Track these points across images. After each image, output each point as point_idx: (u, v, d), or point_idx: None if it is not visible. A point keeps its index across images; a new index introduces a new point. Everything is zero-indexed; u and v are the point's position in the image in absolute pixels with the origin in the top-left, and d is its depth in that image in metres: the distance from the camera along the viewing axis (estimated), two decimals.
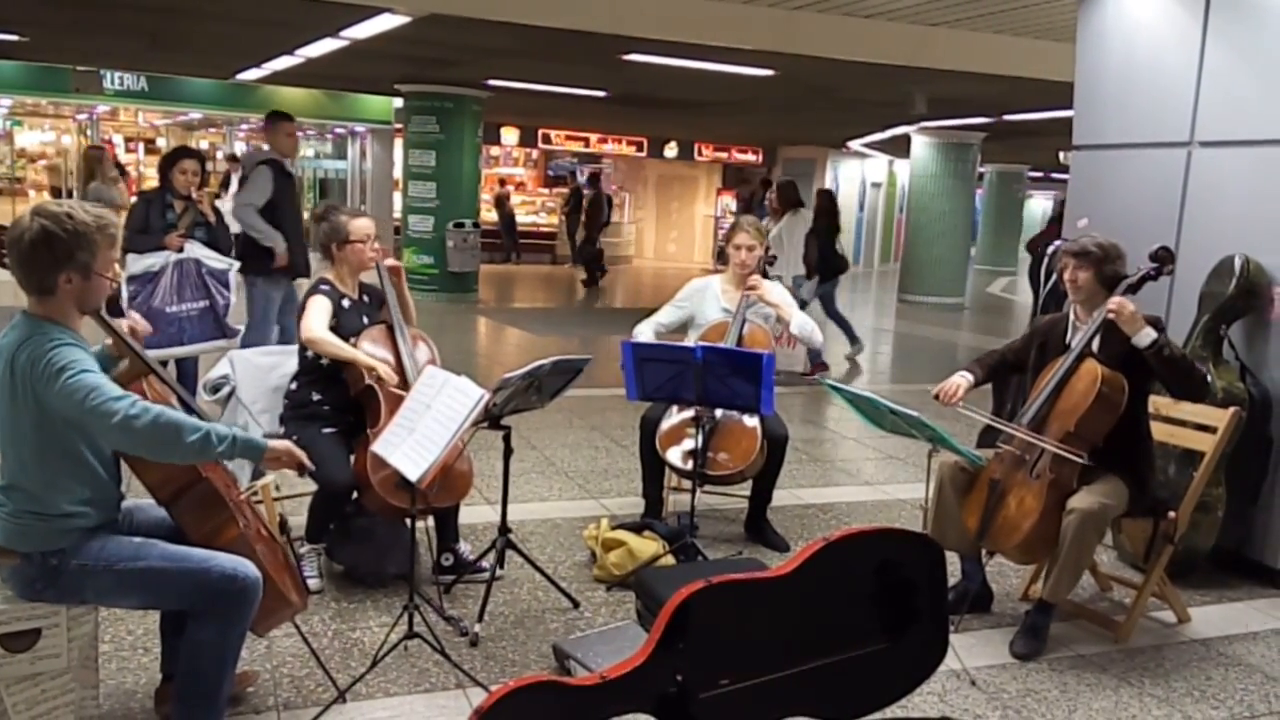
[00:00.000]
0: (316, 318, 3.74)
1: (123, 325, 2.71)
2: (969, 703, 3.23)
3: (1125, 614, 3.83)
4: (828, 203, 9.67)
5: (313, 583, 3.72)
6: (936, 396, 3.80)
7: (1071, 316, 3.77)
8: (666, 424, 4.41)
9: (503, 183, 20.93)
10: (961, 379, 3.81)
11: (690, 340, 4.55)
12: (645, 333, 4.65)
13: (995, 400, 5.26)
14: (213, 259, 5.35)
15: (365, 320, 3.92)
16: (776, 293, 4.62)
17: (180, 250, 5.24)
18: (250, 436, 2.54)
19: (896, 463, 6.26)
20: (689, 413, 4.27)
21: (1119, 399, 3.51)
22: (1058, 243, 5.33)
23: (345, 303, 3.89)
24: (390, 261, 4.00)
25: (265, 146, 6.53)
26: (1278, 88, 4.35)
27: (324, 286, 3.87)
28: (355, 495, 3.70)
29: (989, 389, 4.74)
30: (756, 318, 4.60)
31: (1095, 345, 3.59)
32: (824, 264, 9.28)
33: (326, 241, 3.89)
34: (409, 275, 4.43)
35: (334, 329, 3.77)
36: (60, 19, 9.71)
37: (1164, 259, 3.69)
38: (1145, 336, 3.45)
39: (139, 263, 5.11)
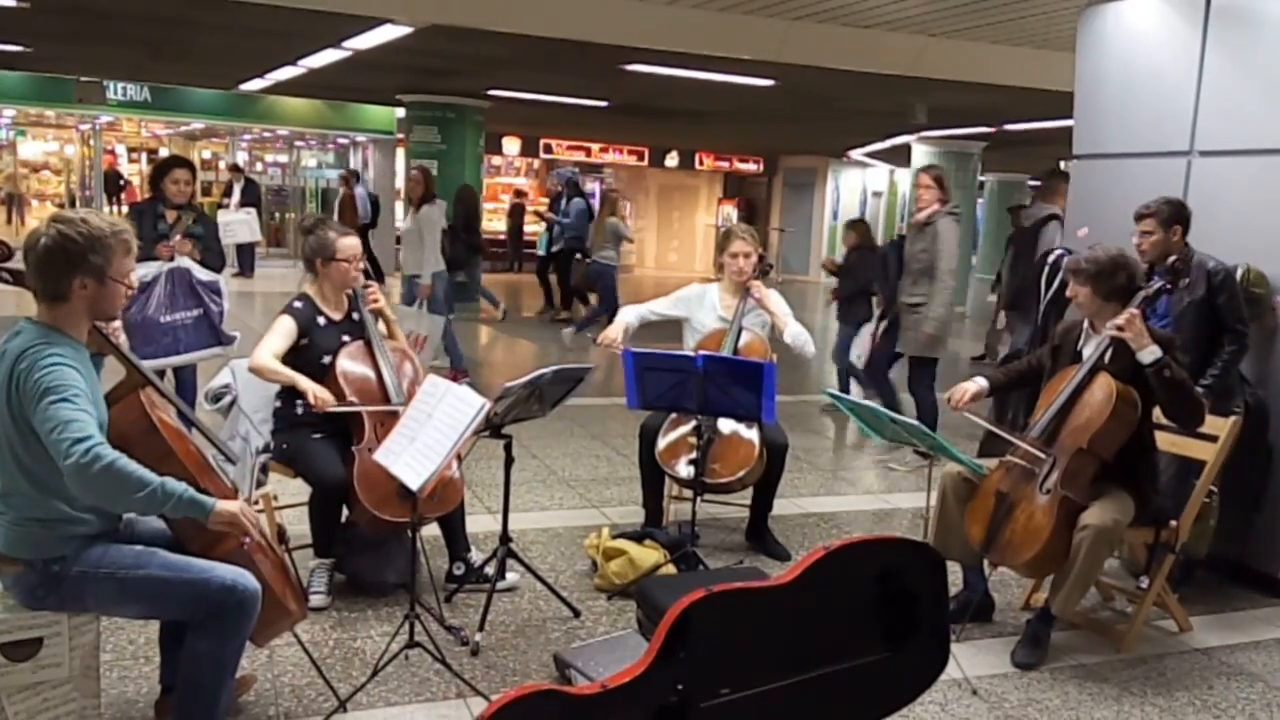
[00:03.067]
0: (267, 344, 3.70)
1: (121, 339, 2.72)
2: (970, 712, 3.23)
3: (1127, 623, 3.83)
4: (468, 197, 10.22)
5: (318, 599, 3.69)
6: (948, 399, 3.82)
7: (1085, 324, 3.72)
8: (667, 435, 4.41)
9: (519, 194, 21.00)
10: (974, 384, 3.80)
11: (687, 348, 4.55)
12: (632, 314, 4.65)
13: (996, 409, 5.26)
14: (200, 271, 5.33)
15: (345, 338, 3.86)
16: (774, 300, 4.62)
17: (171, 259, 5.22)
18: (198, 496, 2.39)
19: (898, 471, 6.26)
20: (688, 425, 4.27)
21: (1133, 415, 3.47)
22: (1058, 251, 5.33)
23: (320, 320, 3.84)
24: (375, 305, 3.97)
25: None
26: (1277, 97, 4.36)
27: (298, 304, 3.83)
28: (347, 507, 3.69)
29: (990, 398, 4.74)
30: (754, 326, 4.60)
31: (1108, 357, 3.53)
32: (455, 260, 8.94)
33: (312, 256, 3.86)
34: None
35: (306, 348, 3.76)
36: (63, 29, 9.74)
37: (1178, 271, 3.67)
38: (1148, 354, 3.40)
39: (133, 275, 5.08)
